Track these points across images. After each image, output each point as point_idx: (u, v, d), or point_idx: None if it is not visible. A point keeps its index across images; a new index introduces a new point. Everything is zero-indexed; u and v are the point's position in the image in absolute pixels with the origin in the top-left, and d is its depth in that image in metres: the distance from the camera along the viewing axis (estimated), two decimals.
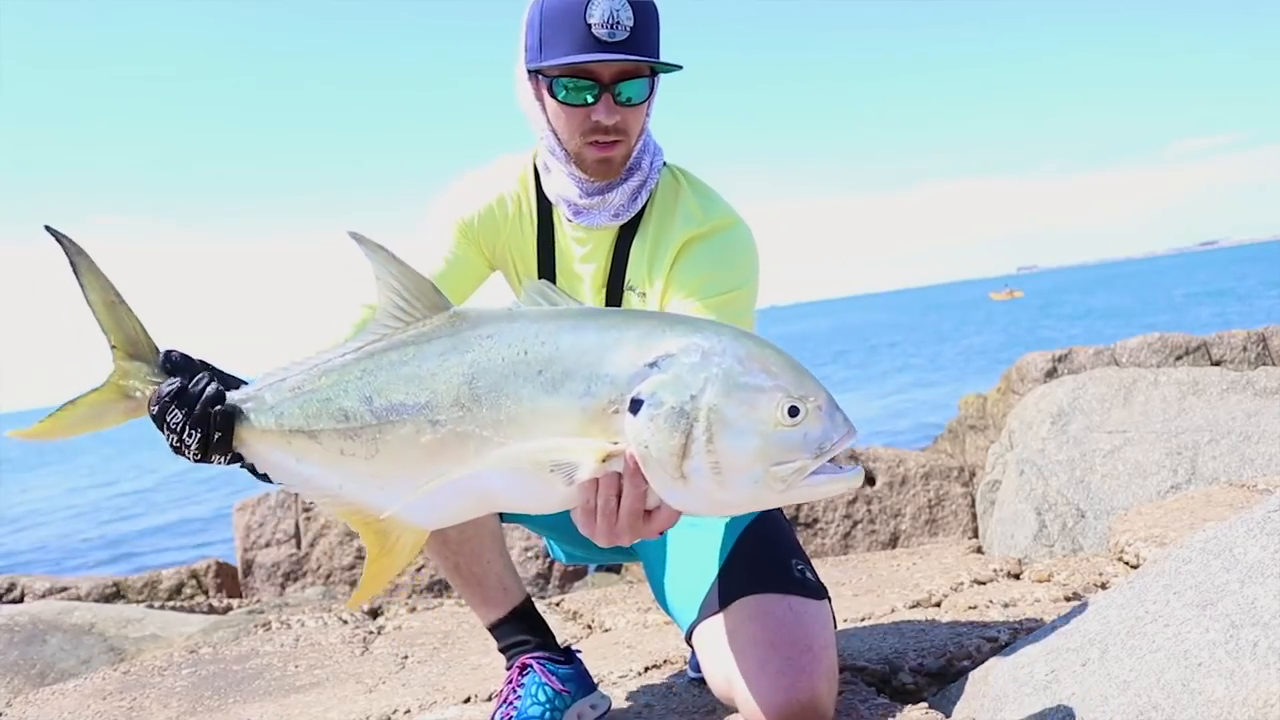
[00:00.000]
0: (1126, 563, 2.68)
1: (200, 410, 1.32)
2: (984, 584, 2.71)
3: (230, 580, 4.66)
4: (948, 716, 1.74)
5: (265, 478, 1.37)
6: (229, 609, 4.21)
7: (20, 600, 4.42)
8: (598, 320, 1.24)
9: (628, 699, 1.98)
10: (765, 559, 1.69)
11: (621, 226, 1.78)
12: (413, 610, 3.23)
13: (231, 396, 1.34)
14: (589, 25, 1.59)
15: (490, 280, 1.88)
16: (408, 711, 2.10)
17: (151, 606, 4.12)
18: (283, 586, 4.38)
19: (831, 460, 1.20)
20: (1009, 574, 2.82)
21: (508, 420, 1.22)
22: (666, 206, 1.79)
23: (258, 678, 2.56)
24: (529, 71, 1.69)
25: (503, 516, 1.87)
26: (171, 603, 4.42)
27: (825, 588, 1.72)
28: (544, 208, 1.81)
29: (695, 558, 1.73)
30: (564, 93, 1.64)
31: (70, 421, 1.37)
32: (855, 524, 4.14)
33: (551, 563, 4.13)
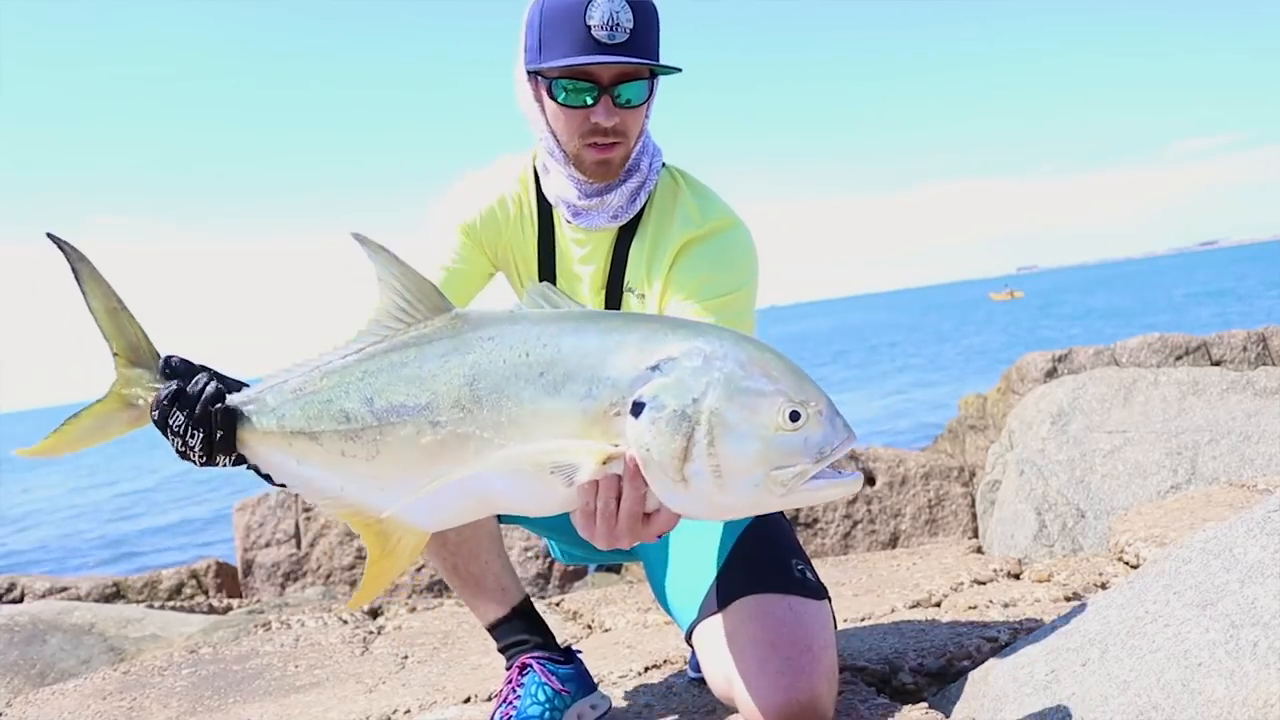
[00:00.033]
0: (1126, 563, 2.68)
1: (201, 410, 1.32)
2: (984, 584, 2.71)
3: (230, 580, 4.66)
4: (948, 716, 1.74)
5: (270, 478, 1.37)
6: (229, 609, 4.22)
7: (20, 600, 4.42)
8: (599, 323, 1.24)
9: (628, 699, 1.98)
10: (765, 559, 1.69)
11: (621, 228, 1.78)
12: (413, 610, 3.23)
13: (233, 399, 1.35)
14: (589, 27, 1.59)
15: (495, 281, 1.89)
16: (408, 711, 2.10)
17: (151, 606, 4.12)
18: (283, 586, 4.38)
19: (831, 465, 1.20)
20: (1009, 574, 2.82)
21: (508, 422, 1.22)
22: (665, 208, 1.79)
23: (258, 678, 2.56)
24: (528, 73, 1.69)
25: (501, 517, 1.87)
26: (171, 603, 4.43)
27: (825, 588, 1.72)
28: (544, 209, 1.81)
29: (695, 557, 1.73)
30: (563, 94, 1.64)
31: (75, 435, 1.38)
32: (855, 524, 4.14)
33: (551, 563, 4.13)
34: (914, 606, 2.54)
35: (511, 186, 1.82)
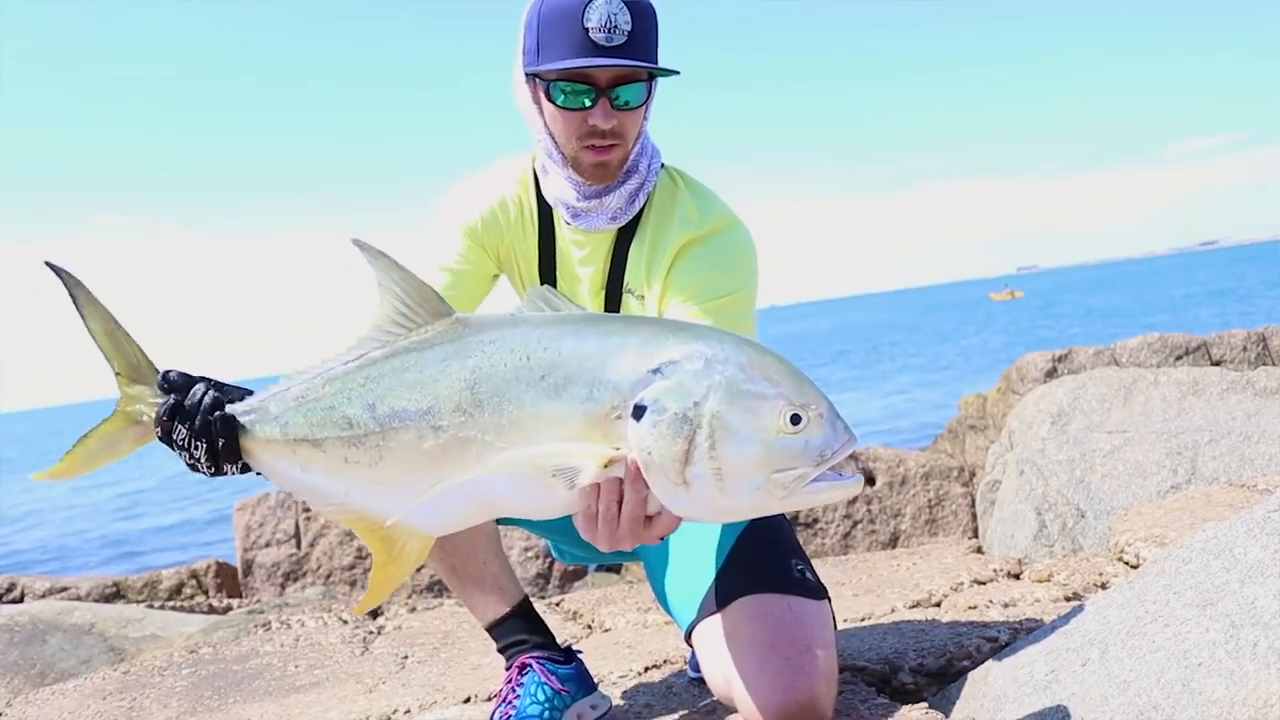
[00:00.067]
0: (1126, 563, 2.68)
1: (201, 421, 1.33)
2: (984, 584, 2.71)
3: (230, 580, 4.66)
4: (948, 716, 1.74)
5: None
6: (229, 609, 4.22)
7: (20, 600, 4.42)
8: (600, 326, 1.25)
9: (628, 699, 1.98)
10: (765, 559, 1.69)
11: (620, 229, 1.78)
12: (413, 610, 3.23)
13: (235, 408, 1.35)
14: (586, 29, 1.58)
15: (500, 284, 1.89)
16: (408, 711, 2.10)
17: (151, 606, 4.12)
18: (283, 586, 4.38)
19: (832, 466, 1.21)
20: (1009, 574, 2.82)
21: (510, 425, 1.22)
22: (664, 209, 1.78)
23: (258, 678, 2.56)
24: (526, 75, 1.68)
25: (501, 518, 1.87)
26: (171, 603, 4.43)
27: (825, 588, 1.72)
28: (544, 210, 1.81)
29: (695, 557, 1.73)
30: (561, 97, 1.64)
31: (85, 456, 1.40)
32: (855, 524, 4.14)
33: (551, 563, 4.13)
34: (914, 606, 2.54)
35: (511, 188, 1.82)
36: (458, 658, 2.54)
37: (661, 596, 1.83)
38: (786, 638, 1.57)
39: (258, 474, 1.38)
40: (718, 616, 1.64)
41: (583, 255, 1.80)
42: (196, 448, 1.33)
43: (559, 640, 1.88)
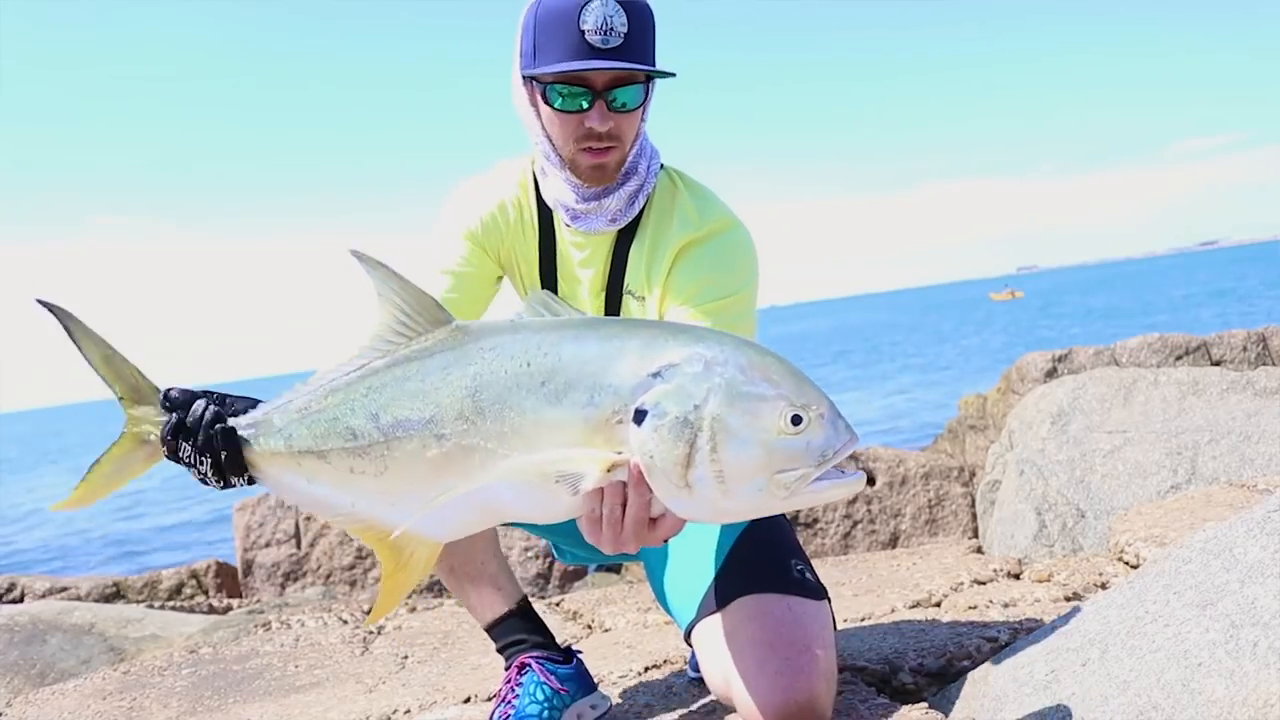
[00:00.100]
0: (1126, 563, 2.68)
1: (204, 436, 1.34)
2: (984, 584, 2.71)
3: (230, 580, 4.66)
4: (947, 716, 1.74)
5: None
6: (229, 609, 4.22)
7: (20, 600, 4.42)
8: (599, 330, 1.25)
9: (628, 699, 1.98)
10: (765, 559, 1.69)
11: (620, 231, 1.78)
12: (413, 610, 3.23)
13: (239, 421, 1.37)
14: (582, 31, 1.58)
15: (504, 286, 1.89)
16: (408, 711, 2.10)
17: (151, 606, 4.12)
18: (283, 586, 4.38)
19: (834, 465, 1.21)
20: (1009, 574, 2.82)
21: (512, 432, 1.22)
22: (664, 210, 1.78)
23: (258, 678, 2.56)
24: (523, 77, 1.68)
25: None
26: (171, 603, 4.43)
27: (825, 588, 1.72)
28: (544, 212, 1.81)
29: (695, 557, 1.73)
30: (558, 100, 1.64)
31: (100, 482, 1.41)
32: (855, 524, 4.14)
33: (551, 563, 4.13)
34: (914, 606, 2.54)
35: (511, 191, 1.82)
36: (458, 658, 2.54)
37: (661, 596, 1.83)
38: (786, 638, 1.57)
39: (265, 489, 1.39)
40: (717, 616, 1.64)
41: (583, 257, 1.80)
42: (202, 463, 1.35)
43: (559, 640, 1.88)
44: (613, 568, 4.06)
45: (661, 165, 1.82)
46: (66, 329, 1.41)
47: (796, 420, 1.18)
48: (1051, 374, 4.61)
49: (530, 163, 1.82)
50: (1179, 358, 4.65)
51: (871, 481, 4.20)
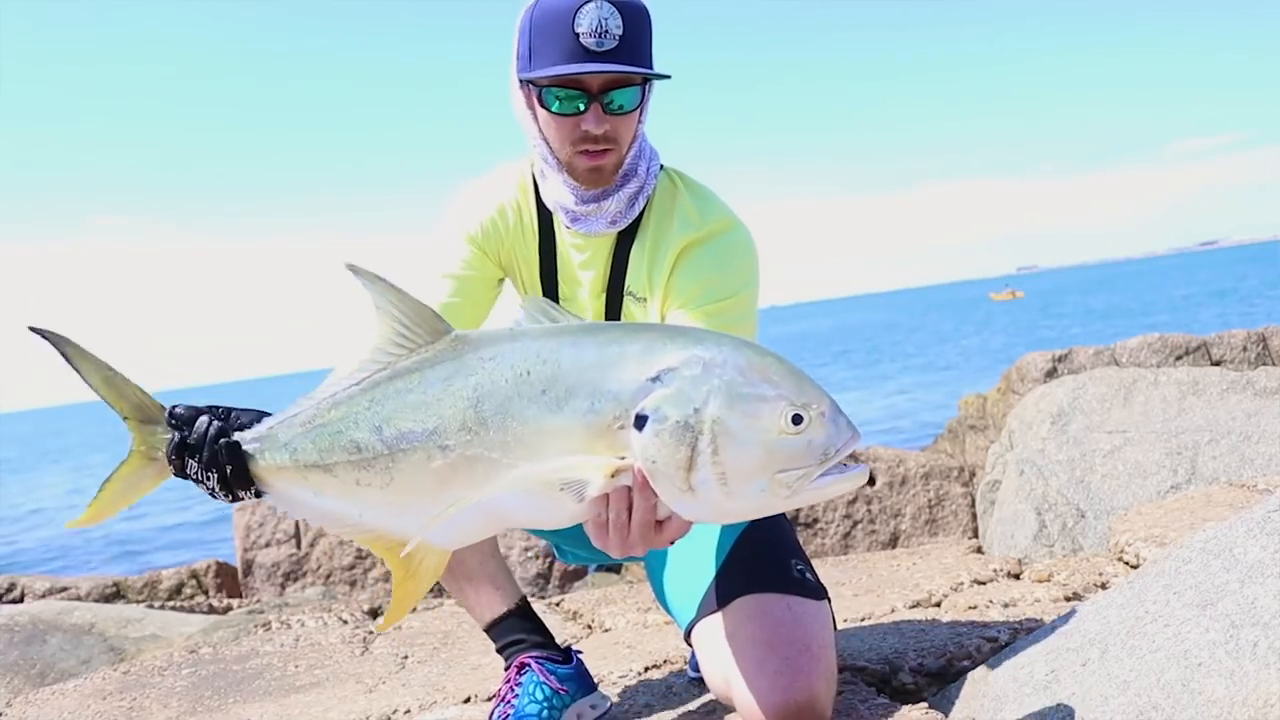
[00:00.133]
0: (1126, 563, 2.68)
1: (208, 452, 1.35)
2: (984, 584, 2.71)
3: (230, 580, 4.66)
4: (947, 716, 1.74)
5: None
6: (229, 609, 4.22)
7: (20, 600, 4.42)
8: (598, 336, 1.25)
9: (628, 699, 1.98)
10: (765, 559, 1.69)
11: (620, 232, 1.78)
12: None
13: (244, 436, 1.37)
14: (577, 34, 1.58)
15: (506, 289, 1.90)
16: (408, 711, 2.10)
17: (151, 606, 4.12)
18: (283, 586, 4.38)
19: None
20: (1009, 574, 2.82)
21: (515, 441, 1.23)
22: (664, 211, 1.78)
23: (258, 678, 2.56)
24: (520, 81, 1.68)
25: None
26: (171, 603, 4.43)
27: (825, 588, 1.72)
28: (544, 215, 1.81)
29: (695, 557, 1.73)
30: (555, 103, 1.64)
31: (111, 499, 1.42)
32: (855, 524, 4.14)
33: (551, 563, 4.13)
34: (914, 606, 2.54)
35: (510, 194, 1.82)
36: (458, 658, 2.54)
37: (661, 596, 1.83)
38: (786, 637, 1.57)
39: (273, 501, 1.40)
40: (717, 616, 1.64)
41: (583, 259, 1.80)
42: (209, 478, 1.36)
43: (559, 640, 1.89)
44: (613, 568, 4.05)
45: (661, 166, 1.82)
46: (63, 354, 1.40)
47: (797, 420, 1.18)
48: (1051, 374, 4.61)
49: (530, 165, 1.82)
50: (1179, 358, 4.65)
51: (872, 481, 4.20)
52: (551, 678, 1.78)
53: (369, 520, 1.32)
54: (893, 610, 2.50)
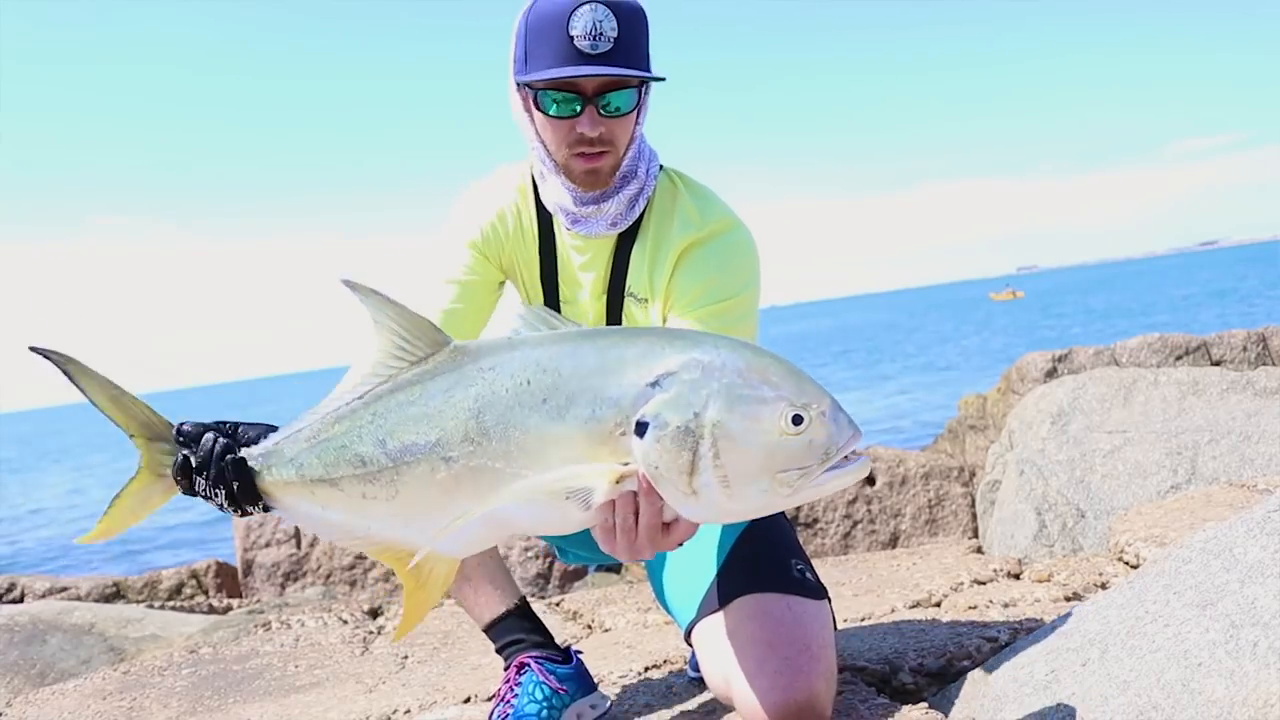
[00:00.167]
0: (1126, 563, 2.68)
1: (215, 469, 1.36)
2: (984, 584, 2.71)
3: (230, 580, 4.66)
4: (947, 716, 1.74)
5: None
6: (229, 609, 4.21)
7: (20, 600, 4.42)
8: (597, 342, 1.25)
9: (628, 699, 1.98)
10: (765, 558, 1.69)
11: (621, 234, 1.78)
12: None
13: (250, 452, 1.38)
14: (571, 37, 1.58)
15: (508, 291, 1.90)
16: (408, 711, 2.10)
17: (151, 606, 4.12)
18: (283, 586, 4.38)
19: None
20: (1009, 574, 2.82)
21: (518, 451, 1.23)
22: (665, 212, 1.78)
23: (258, 678, 2.56)
24: (516, 84, 1.69)
25: None
26: (171, 603, 4.42)
27: (825, 588, 1.72)
28: (544, 217, 1.81)
29: (695, 557, 1.73)
30: (550, 106, 1.64)
31: (121, 516, 1.43)
32: (855, 524, 4.14)
33: (551, 563, 4.13)
34: (914, 606, 2.54)
35: (510, 197, 1.82)
36: (458, 658, 2.54)
37: (661, 596, 1.83)
38: (786, 637, 1.57)
39: (281, 516, 1.41)
40: (717, 616, 1.64)
41: (584, 261, 1.80)
42: (216, 494, 1.37)
43: (559, 640, 1.89)
44: (613, 568, 4.05)
45: (661, 166, 1.82)
46: (67, 374, 1.40)
47: (798, 420, 1.18)
48: (1051, 374, 4.61)
49: (530, 167, 1.82)
50: (1179, 358, 4.65)
51: (871, 481, 4.20)
52: (551, 677, 1.78)
53: (377, 533, 1.33)
54: (893, 610, 2.50)
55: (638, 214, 1.77)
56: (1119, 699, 1.46)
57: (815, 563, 1.95)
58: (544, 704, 1.75)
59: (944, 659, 1.99)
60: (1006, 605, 2.43)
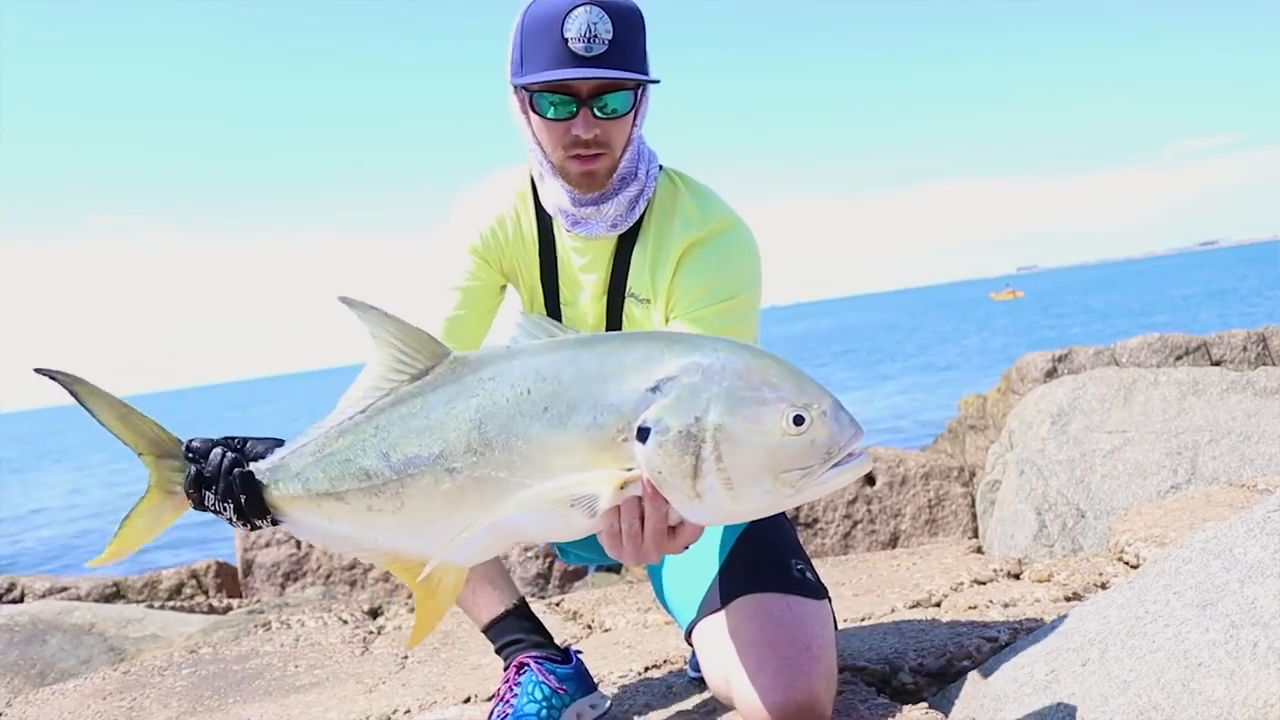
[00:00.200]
0: (1126, 563, 2.68)
1: (224, 483, 1.37)
2: (984, 584, 2.71)
3: (230, 580, 4.66)
4: (947, 716, 1.74)
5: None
6: (229, 609, 4.21)
7: (20, 600, 4.42)
8: (596, 349, 1.25)
9: (628, 699, 1.98)
10: (765, 558, 1.69)
11: (621, 235, 1.78)
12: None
13: (258, 466, 1.39)
14: (566, 39, 1.58)
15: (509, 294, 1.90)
16: (408, 711, 2.10)
17: (151, 606, 4.12)
18: (283, 586, 4.38)
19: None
20: (1009, 574, 2.82)
21: (521, 460, 1.23)
22: (665, 211, 1.78)
23: (258, 678, 2.56)
24: (513, 86, 1.69)
25: None
26: (171, 603, 4.43)
27: (825, 588, 1.72)
28: (543, 220, 1.81)
29: (696, 557, 1.73)
30: (546, 109, 1.64)
31: (132, 535, 1.43)
32: (855, 524, 4.14)
33: (552, 563, 4.13)
34: (914, 606, 2.54)
35: (509, 201, 1.82)
36: (458, 658, 2.54)
37: (662, 596, 1.83)
38: (786, 637, 1.57)
39: (290, 529, 1.42)
40: (718, 616, 1.64)
41: (584, 263, 1.80)
42: (225, 509, 1.38)
43: (559, 640, 1.89)
44: (613, 568, 4.05)
45: (660, 166, 1.82)
46: (74, 394, 1.40)
47: (799, 421, 1.18)
48: (1051, 374, 4.61)
49: (529, 169, 1.83)
50: (1179, 358, 4.65)
51: (871, 481, 4.20)
52: (550, 677, 1.78)
53: (384, 544, 1.34)
54: (893, 610, 2.50)
55: (638, 215, 1.77)
56: (1119, 699, 1.46)
57: (815, 563, 1.95)
58: (543, 704, 1.75)
59: (944, 659, 2.00)
60: (1006, 605, 2.43)
